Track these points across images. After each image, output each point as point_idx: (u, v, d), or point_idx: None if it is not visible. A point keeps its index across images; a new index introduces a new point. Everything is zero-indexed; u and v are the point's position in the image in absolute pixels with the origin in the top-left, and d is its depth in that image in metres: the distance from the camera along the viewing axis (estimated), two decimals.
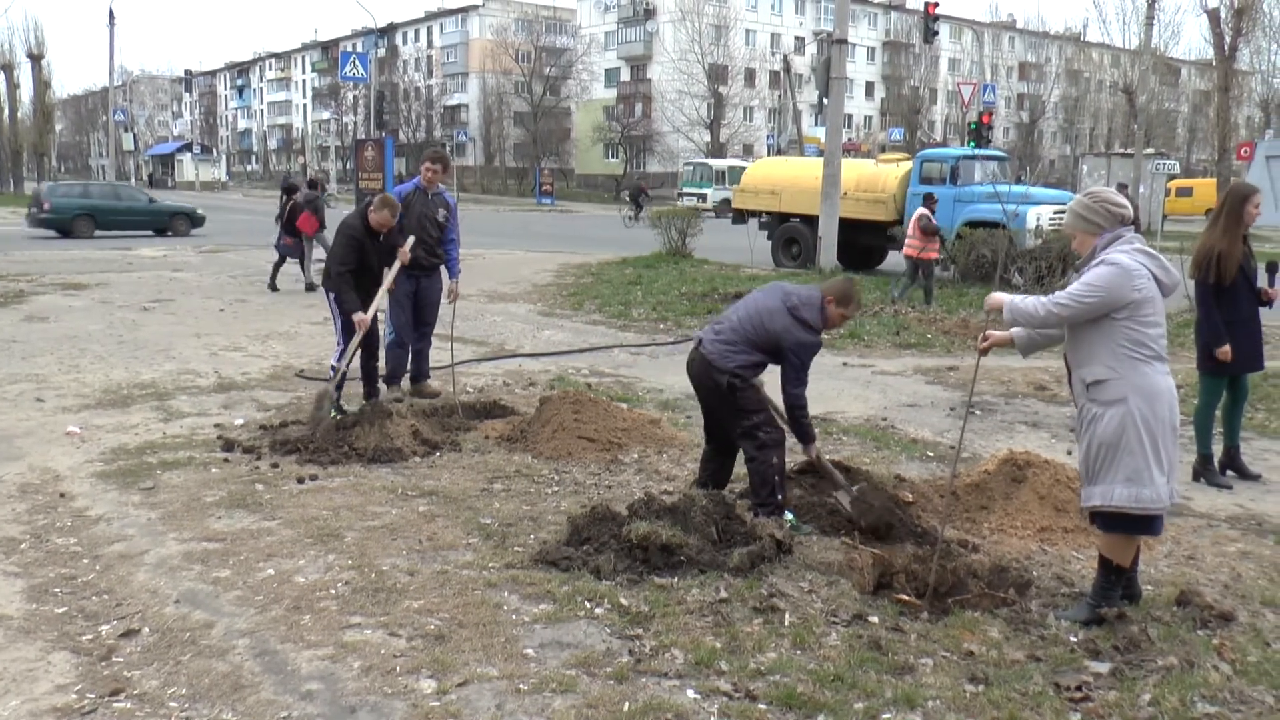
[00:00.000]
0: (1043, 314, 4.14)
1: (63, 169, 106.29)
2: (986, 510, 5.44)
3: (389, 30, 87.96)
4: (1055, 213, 16.99)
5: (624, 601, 4.24)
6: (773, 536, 4.80)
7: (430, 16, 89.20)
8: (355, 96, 79.25)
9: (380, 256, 7.56)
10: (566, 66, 76.33)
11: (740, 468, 5.58)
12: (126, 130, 61.60)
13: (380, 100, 43.42)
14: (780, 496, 5.22)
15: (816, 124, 44.89)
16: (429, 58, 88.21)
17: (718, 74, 66.58)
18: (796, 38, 74.29)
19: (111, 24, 51.44)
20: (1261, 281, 6.44)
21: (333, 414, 7.23)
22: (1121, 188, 27.68)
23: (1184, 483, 6.09)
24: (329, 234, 10.82)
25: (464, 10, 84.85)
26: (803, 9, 78.74)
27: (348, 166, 65.30)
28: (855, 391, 8.98)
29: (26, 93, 61.49)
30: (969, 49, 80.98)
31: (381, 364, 8.02)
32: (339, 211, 16.27)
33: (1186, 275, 6.33)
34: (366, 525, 5.19)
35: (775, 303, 5.23)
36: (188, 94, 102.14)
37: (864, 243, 20.33)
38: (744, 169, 49.10)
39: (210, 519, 5.28)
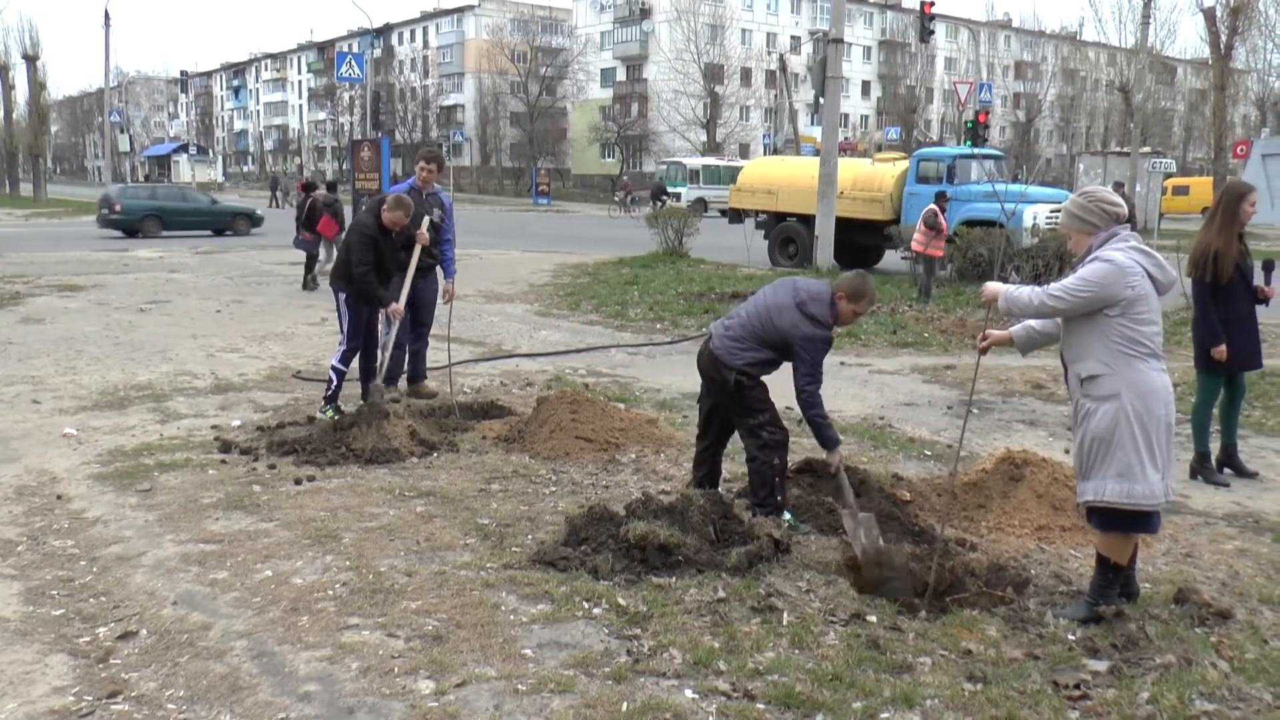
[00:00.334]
0: (1036, 304, 4.15)
1: (58, 170, 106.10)
2: (984, 509, 5.44)
3: (385, 31, 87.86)
4: (1052, 211, 17.02)
5: (622, 601, 4.24)
6: (771, 536, 4.80)
7: (426, 17, 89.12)
8: (351, 97, 79.24)
9: (393, 254, 7.60)
10: (562, 66, 76.35)
11: (739, 467, 5.57)
12: (122, 131, 61.57)
13: (376, 101, 43.44)
14: (779, 497, 5.21)
15: (813, 123, 44.87)
16: (425, 58, 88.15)
17: (714, 74, 66.61)
18: (792, 37, 74.36)
19: (107, 25, 51.51)
20: (1258, 279, 6.45)
21: (330, 414, 7.24)
22: (1118, 186, 27.75)
23: (1181, 480, 6.12)
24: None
25: (460, 10, 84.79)
26: (798, 8, 78.76)
27: (344, 167, 65.27)
28: (852, 390, 8.98)
29: (22, 94, 61.41)
30: (965, 48, 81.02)
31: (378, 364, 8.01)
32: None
33: (1183, 274, 6.34)
34: (364, 526, 5.19)
35: (785, 298, 5.15)
36: (183, 95, 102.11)
37: (861, 242, 20.34)
38: (718, 168, 49.17)
39: (208, 520, 5.27)
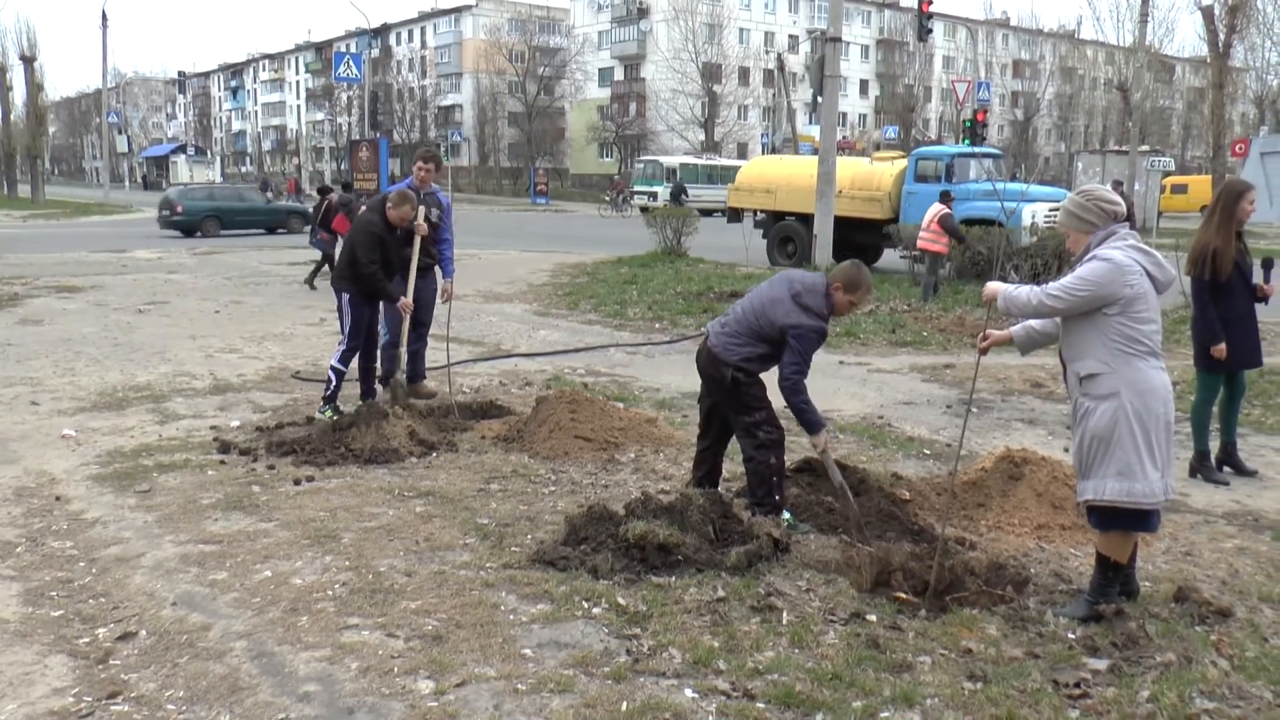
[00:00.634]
0: (1035, 304, 4.16)
1: (56, 172, 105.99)
2: (984, 508, 5.44)
3: (382, 31, 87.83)
4: (1050, 210, 17.02)
5: (621, 601, 4.24)
6: (770, 535, 4.79)
7: (424, 17, 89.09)
8: (349, 97, 79.19)
9: (396, 250, 7.61)
10: (560, 66, 76.32)
11: (739, 466, 5.57)
12: (120, 132, 61.57)
13: (374, 101, 43.53)
14: (778, 496, 5.21)
15: (811, 122, 44.88)
16: (423, 58, 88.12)
17: (712, 73, 66.62)
18: (790, 36, 74.31)
19: (104, 26, 51.48)
20: (1257, 278, 6.45)
21: (329, 414, 7.23)
22: (1117, 185, 27.77)
23: (1181, 479, 6.12)
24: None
25: (457, 10, 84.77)
26: (796, 7, 78.81)
27: (342, 167, 65.24)
28: (852, 390, 8.98)
29: (19, 95, 61.23)
30: (963, 46, 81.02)
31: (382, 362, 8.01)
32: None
33: (1182, 272, 6.34)
34: (363, 526, 5.19)
35: (779, 290, 5.17)
36: (181, 95, 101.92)
37: (859, 241, 20.31)
38: (696, 166, 49.30)
39: (207, 521, 5.27)
